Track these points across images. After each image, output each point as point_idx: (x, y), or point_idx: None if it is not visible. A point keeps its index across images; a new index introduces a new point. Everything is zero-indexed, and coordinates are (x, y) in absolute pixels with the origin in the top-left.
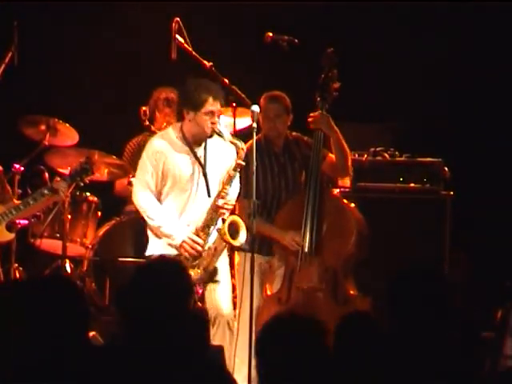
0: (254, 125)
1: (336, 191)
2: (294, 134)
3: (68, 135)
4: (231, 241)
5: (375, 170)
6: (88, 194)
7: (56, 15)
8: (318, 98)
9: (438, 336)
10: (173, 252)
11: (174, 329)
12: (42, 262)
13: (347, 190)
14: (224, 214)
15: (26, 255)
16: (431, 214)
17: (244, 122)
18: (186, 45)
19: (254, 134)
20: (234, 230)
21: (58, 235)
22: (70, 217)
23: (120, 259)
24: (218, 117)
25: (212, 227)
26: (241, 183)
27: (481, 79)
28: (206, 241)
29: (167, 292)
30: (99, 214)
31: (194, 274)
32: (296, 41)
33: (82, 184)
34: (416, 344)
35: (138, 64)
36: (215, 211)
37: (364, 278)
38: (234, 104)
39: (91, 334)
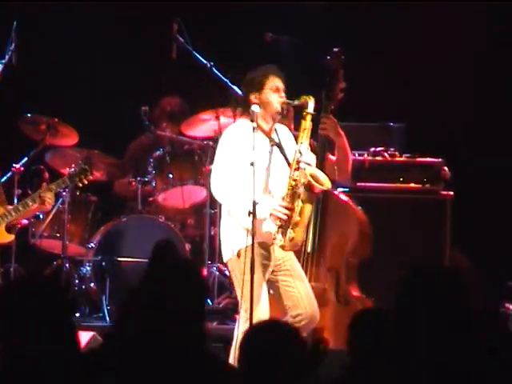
0: (254, 125)
1: (338, 191)
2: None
3: (68, 135)
4: (320, 186)
5: (375, 169)
6: (88, 193)
7: (56, 15)
8: (324, 98)
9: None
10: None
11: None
12: (42, 261)
13: (347, 189)
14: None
15: (25, 255)
16: (431, 214)
17: None
18: (186, 45)
19: (255, 134)
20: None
21: (58, 235)
22: (70, 217)
23: (120, 259)
24: (284, 92)
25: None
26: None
27: (481, 79)
28: (293, 204)
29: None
30: (99, 214)
31: (297, 235)
32: (296, 41)
33: (80, 185)
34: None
35: (138, 64)
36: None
37: (364, 278)
38: None
39: (91, 334)
